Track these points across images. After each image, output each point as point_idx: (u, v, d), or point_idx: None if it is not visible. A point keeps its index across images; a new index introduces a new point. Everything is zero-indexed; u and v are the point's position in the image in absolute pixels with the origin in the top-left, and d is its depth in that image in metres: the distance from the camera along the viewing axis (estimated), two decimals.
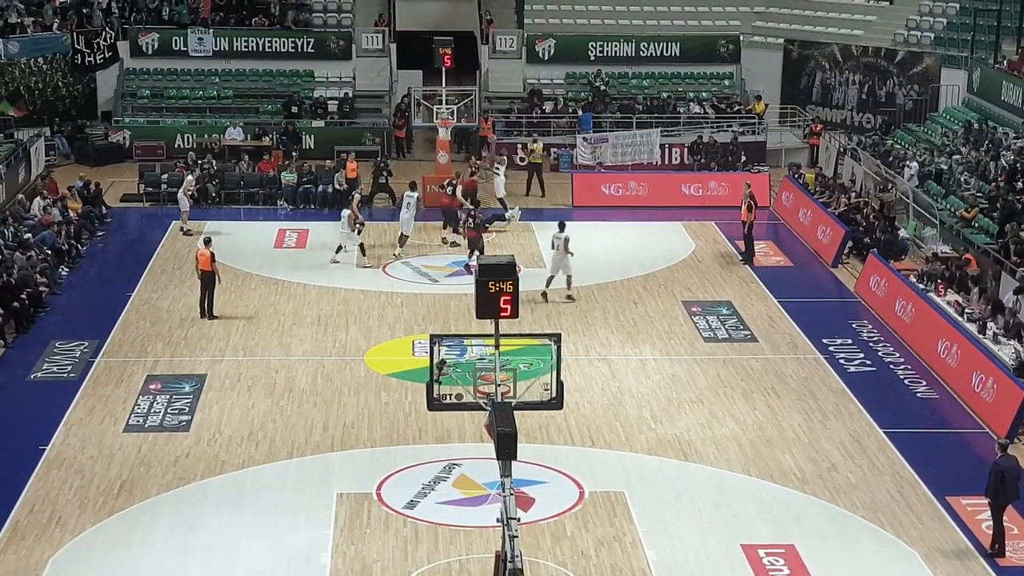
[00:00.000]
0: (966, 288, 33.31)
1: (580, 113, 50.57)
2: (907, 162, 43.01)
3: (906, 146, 45.96)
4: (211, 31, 52.80)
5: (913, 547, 22.51)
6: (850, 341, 32.24)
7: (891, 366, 30.75)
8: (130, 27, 52.69)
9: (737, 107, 51.87)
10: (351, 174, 43.12)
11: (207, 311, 33.03)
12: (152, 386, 28.80)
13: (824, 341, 32.02)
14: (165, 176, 44.09)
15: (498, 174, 42.62)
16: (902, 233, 38.74)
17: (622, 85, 53.53)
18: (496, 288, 17.84)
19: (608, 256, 38.74)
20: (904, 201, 40.43)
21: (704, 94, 53.20)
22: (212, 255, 32.98)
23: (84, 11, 52.83)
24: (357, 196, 38.74)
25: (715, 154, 47.88)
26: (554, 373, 18.99)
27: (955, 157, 42.21)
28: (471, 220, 37.74)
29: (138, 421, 27.05)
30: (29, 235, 36.43)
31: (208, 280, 32.99)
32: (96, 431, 26.50)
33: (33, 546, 22.14)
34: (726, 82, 53.92)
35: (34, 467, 24.93)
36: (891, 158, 44.31)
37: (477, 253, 35.92)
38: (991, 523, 22.55)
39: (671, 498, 24.13)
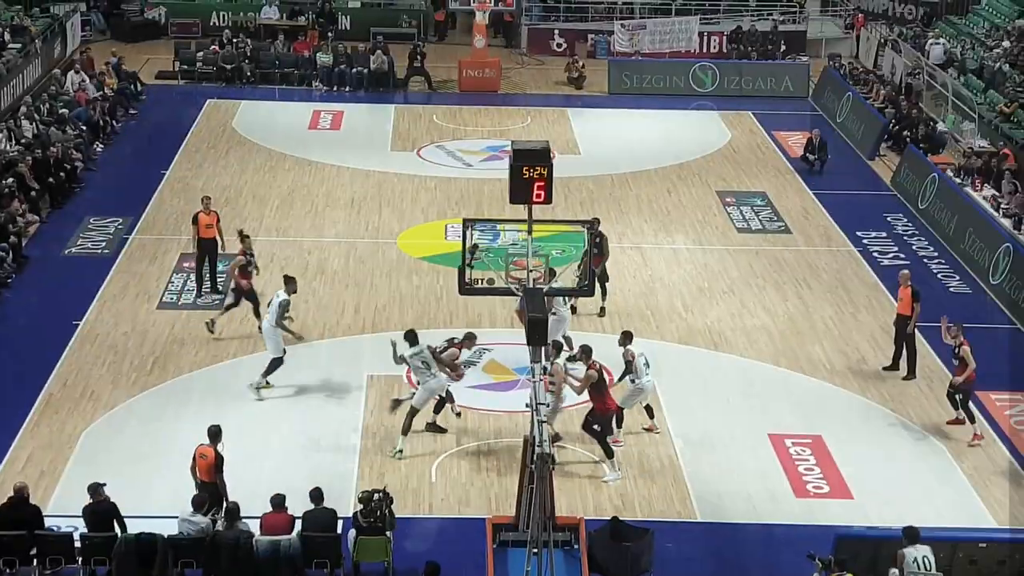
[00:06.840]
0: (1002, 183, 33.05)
1: None
2: (932, 42, 42.55)
3: (948, 39, 45.31)
4: None
5: (941, 442, 22.56)
6: (884, 234, 32.10)
7: (925, 260, 30.62)
8: None
9: None
10: (204, 232, 27.27)
11: None
12: (186, 264, 28.85)
13: (858, 234, 31.87)
14: (200, 54, 43.93)
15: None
16: (940, 127, 38.38)
17: None
18: (530, 173, 17.75)
19: (643, 144, 38.52)
20: (943, 95, 39.99)
21: None
22: (218, 457, 19.19)
23: None
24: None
25: (755, 43, 47.37)
26: (586, 259, 18.95)
27: (995, 51, 41.65)
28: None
29: (172, 299, 27.18)
30: (65, 110, 36.40)
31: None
32: (130, 307, 26.66)
33: (66, 419, 22.38)
34: None
35: (68, 342, 25.16)
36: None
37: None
38: (1019, 416, 23.39)
39: (700, 387, 24.21)
